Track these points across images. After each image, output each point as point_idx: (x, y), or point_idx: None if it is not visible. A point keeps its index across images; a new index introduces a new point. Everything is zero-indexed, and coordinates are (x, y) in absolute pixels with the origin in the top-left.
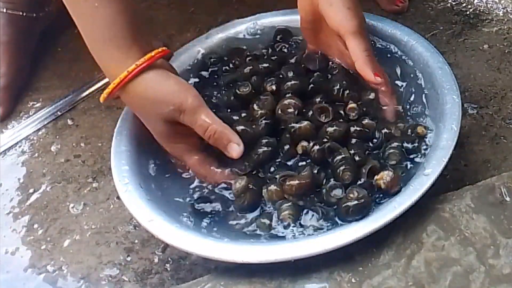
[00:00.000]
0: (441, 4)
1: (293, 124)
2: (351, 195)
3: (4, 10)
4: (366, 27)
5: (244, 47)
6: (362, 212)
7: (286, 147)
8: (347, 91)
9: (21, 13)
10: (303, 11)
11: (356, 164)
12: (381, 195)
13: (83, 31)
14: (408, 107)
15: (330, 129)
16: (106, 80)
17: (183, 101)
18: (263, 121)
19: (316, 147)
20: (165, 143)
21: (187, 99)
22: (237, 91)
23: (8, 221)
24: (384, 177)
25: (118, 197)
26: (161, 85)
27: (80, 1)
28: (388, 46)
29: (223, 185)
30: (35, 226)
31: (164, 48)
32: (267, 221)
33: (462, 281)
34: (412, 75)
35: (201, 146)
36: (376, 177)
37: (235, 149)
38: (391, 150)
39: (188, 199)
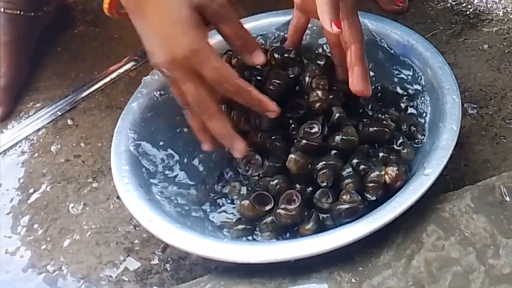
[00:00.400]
0: (441, 4)
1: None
2: (344, 197)
3: (2, 10)
4: None
5: None
6: (354, 215)
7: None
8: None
9: (19, 13)
10: None
11: (360, 175)
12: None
13: None
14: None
15: (337, 138)
16: (106, 80)
17: None
18: None
19: (324, 171)
20: (187, 36)
21: None
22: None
23: (8, 221)
24: (389, 172)
25: (118, 197)
26: None
27: None
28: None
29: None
30: (35, 226)
31: None
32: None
33: (462, 281)
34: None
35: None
36: (381, 173)
37: (261, 56)
38: (407, 149)
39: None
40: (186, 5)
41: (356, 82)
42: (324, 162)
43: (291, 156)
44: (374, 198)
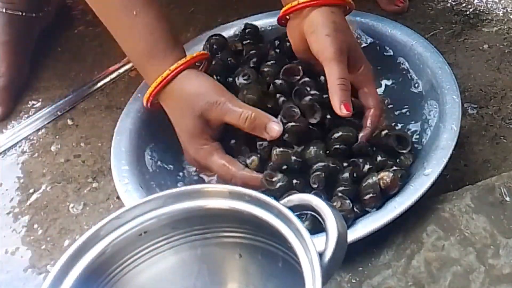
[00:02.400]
0: (441, 4)
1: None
2: (335, 204)
3: (4, 10)
4: (347, 53)
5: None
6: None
7: None
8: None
9: (20, 13)
10: (293, 41)
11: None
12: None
13: (123, 42)
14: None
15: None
16: (106, 80)
17: (218, 95)
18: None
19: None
20: (192, 144)
21: (222, 94)
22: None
23: (8, 221)
24: (384, 178)
25: (118, 197)
26: (198, 81)
27: (118, 13)
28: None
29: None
30: (35, 226)
31: (203, 51)
32: None
33: (462, 281)
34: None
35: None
36: (378, 177)
37: (276, 127)
38: (406, 154)
39: None
40: (191, 115)
41: (361, 136)
42: (323, 164)
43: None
44: (374, 210)
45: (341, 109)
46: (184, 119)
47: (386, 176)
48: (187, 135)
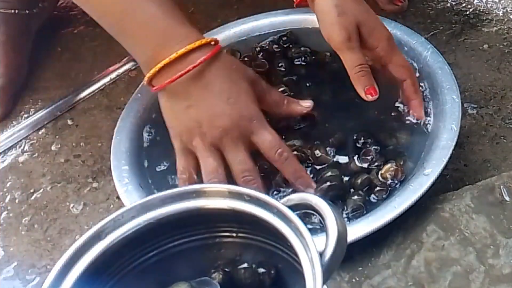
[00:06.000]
0: (441, 4)
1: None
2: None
3: None
4: (357, 34)
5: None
6: None
7: None
8: None
9: (13, 11)
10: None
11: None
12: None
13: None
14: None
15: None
16: (106, 80)
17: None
18: None
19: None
20: (251, 101)
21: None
22: None
23: (8, 221)
24: (389, 170)
25: (118, 197)
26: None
27: None
28: None
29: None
30: (35, 226)
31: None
32: None
33: (462, 281)
34: None
35: None
36: (380, 172)
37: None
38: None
39: None
40: (246, 81)
41: (413, 112)
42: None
43: None
44: (381, 197)
45: (366, 96)
46: (240, 84)
47: (389, 167)
48: (248, 97)
